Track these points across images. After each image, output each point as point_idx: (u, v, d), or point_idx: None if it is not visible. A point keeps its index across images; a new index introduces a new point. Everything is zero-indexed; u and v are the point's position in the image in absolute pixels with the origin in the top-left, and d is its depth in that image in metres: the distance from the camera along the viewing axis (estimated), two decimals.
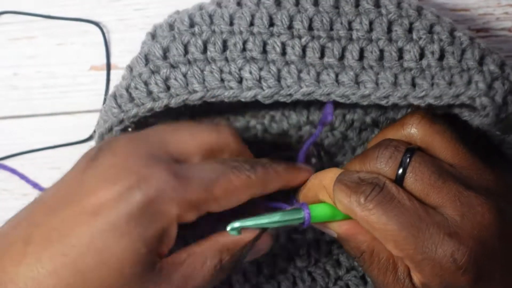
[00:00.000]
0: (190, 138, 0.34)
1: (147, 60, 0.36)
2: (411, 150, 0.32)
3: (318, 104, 0.41)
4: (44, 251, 0.29)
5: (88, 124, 0.46)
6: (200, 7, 0.37)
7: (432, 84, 0.33)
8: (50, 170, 0.47)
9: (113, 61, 0.47)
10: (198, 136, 0.34)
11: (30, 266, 0.29)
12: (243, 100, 0.35)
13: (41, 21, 0.47)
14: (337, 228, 0.34)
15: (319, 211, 0.34)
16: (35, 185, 0.47)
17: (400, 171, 0.31)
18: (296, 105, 0.41)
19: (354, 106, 0.41)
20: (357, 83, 0.34)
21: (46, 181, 0.47)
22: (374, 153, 0.33)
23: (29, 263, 0.29)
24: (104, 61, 0.47)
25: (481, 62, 0.33)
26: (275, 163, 0.36)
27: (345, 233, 0.34)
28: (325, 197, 0.34)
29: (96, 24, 0.46)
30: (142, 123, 0.37)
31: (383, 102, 0.33)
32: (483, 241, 0.30)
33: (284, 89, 0.34)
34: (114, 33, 0.47)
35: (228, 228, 0.33)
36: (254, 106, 0.39)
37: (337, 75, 0.34)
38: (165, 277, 0.31)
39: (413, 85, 0.33)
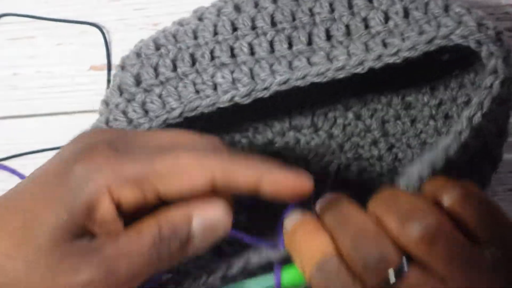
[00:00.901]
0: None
1: (121, 91, 0.36)
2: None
3: (299, 109, 0.41)
4: None
5: (88, 124, 0.46)
6: (163, 30, 0.38)
7: (403, 39, 0.33)
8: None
9: (113, 61, 0.47)
10: None
11: None
12: (221, 106, 0.35)
13: (41, 21, 0.47)
14: None
15: (293, 277, 0.30)
16: None
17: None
18: (277, 113, 0.41)
19: (334, 102, 0.41)
20: (329, 59, 0.34)
21: None
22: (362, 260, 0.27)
23: None
24: (104, 61, 0.47)
25: (446, 9, 0.34)
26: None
27: None
28: (298, 264, 0.30)
29: (97, 26, 0.46)
30: None
31: (359, 70, 0.33)
32: None
33: (259, 84, 0.34)
34: (114, 33, 0.47)
35: None
36: (237, 121, 0.39)
37: (308, 59, 0.34)
38: (93, 252, 0.27)
39: (385, 45, 0.34)
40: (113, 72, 0.46)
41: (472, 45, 0.32)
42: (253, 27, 0.36)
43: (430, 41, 0.32)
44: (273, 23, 0.36)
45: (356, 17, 0.35)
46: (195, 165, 0.28)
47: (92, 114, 0.47)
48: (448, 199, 0.28)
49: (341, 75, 0.34)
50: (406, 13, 0.34)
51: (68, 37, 0.47)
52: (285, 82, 0.34)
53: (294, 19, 0.36)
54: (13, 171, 0.48)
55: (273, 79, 0.34)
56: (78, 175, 0.28)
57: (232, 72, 0.35)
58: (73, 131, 0.47)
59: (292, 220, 0.30)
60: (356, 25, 0.35)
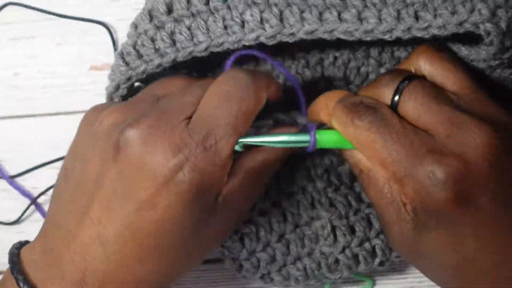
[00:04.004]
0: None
1: (151, 17, 0.36)
2: (410, 77, 0.32)
3: (332, 59, 0.42)
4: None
5: None
6: None
7: (435, 16, 0.33)
8: (48, 170, 0.47)
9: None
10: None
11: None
12: (246, 43, 0.35)
13: (42, 21, 0.47)
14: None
15: (326, 137, 0.34)
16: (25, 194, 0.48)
17: (396, 96, 0.32)
18: (309, 62, 0.42)
19: (367, 58, 0.41)
20: (359, 19, 0.34)
21: (46, 181, 0.47)
22: (376, 81, 0.34)
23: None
24: (104, 61, 0.47)
25: None
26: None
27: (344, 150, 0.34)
28: (325, 117, 0.34)
29: (103, 24, 0.47)
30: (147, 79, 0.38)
31: (387, 37, 0.33)
32: (470, 162, 0.29)
33: (287, 28, 0.34)
34: (114, 32, 0.47)
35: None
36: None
37: (339, 13, 0.34)
38: (223, 207, 0.33)
39: (416, 18, 0.33)
40: None
41: (496, 44, 0.32)
42: None
43: (460, 24, 0.32)
44: None
45: None
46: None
47: None
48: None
49: (368, 37, 0.34)
50: None
51: (69, 37, 0.47)
52: (311, 32, 0.34)
53: None
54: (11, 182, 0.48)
55: (301, 26, 0.34)
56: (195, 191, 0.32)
57: (261, 12, 0.35)
58: (73, 131, 0.47)
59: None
60: None
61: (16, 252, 0.34)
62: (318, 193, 0.40)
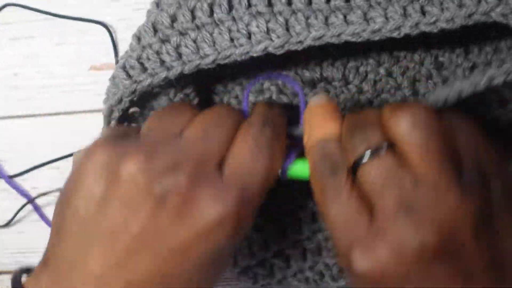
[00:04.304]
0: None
1: (155, 30, 0.36)
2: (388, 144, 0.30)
3: (330, 60, 0.41)
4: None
5: (88, 124, 0.46)
6: None
7: (442, 9, 0.33)
8: (48, 170, 0.47)
9: (113, 61, 0.47)
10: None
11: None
12: (254, 55, 0.35)
13: (41, 21, 0.47)
14: None
15: (299, 168, 0.34)
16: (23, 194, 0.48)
17: (363, 159, 0.30)
18: (309, 62, 0.41)
19: (366, 57, 0.41)
20: (366, 20, 0.34)
21: (45, 181, 0.47)
22: (360, 124, 0.32)
23: None
24: (104, 60, 0.47)
25: None
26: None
27: None
28: (305, 138, 0.34)
29: (103, 24, 0.47)
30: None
31: (395, 34, 0.33)
32: (389, 265, 0.28)
33: (294, 36, 0.34)
34: (114, 32, 0.47)
35: None
36: (267, 67, 0.39)
37: (345, 16, 0.34)
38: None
39: (423, 13, 0.33)
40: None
41: None
42: None
43: (469, 16, 0.32)
44: None
45: None
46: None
47: (92, 114, 0.47)
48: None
49: (376, 37, 0.34)
50: None
51: (68, 37, 0.47)
52: (319, 38, 0.34)
53: None
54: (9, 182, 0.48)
55: (308, 33, 0.34)
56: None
57: (267, 22, 0.34)
58: (73, 131, 0.48)
59: (317, 100, 0.35)
60: None
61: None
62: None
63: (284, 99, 0.42)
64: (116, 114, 0.37)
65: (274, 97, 0.42)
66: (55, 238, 0.34)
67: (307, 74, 0.42)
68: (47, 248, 0.34)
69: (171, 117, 0.35)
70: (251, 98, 0.43)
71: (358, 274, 0.28)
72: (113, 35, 0.47)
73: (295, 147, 0.35)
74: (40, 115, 0.48)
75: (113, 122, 0.37)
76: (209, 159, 0.32)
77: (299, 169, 0.34)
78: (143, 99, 0.38)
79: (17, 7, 0.47)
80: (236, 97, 0.43)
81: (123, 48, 0.47)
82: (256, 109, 0.35)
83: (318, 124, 0.34)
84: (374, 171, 0.30)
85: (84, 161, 0.33)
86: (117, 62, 0.47)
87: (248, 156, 0.33)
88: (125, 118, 0.39)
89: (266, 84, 0.42)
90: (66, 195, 0.33)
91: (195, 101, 0.39)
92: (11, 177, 0.47)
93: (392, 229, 0.28)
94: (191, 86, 0.39)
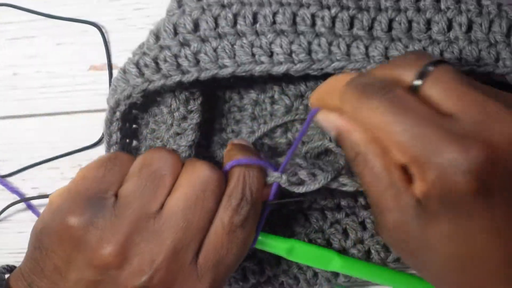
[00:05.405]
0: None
1: (176, 32, 0.35)
2: (435, 62, 0.29)
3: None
4: None
5: (87, 124, 0.46)
6: None
7: (461, 59, 0.34)
8: (48, 170, 0.47)
9: (113, 61, 0.47)
10: None
11: None
12: (274, 73, 0.35)
13: (41, 20, 0.47)
14: (334, 122, 0.32)
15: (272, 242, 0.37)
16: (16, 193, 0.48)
17: (418, 81, 0.29)
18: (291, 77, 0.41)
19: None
20: (387, 57, 0.34)
21: (45, 181, 0.47)
22: (394, 61, 0.31)
23: None
24: (104, 61, 0.47)
25: (508, 34, 0.34)
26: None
27: (340, 129, 0.31)
28: (332, 100, 0.32)
29: (96, 25, 0.46)
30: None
31: None
32: (498, 153, 0.27)
33: (316, 63, 0.34)
34: (114, 32, 0.47)
35: None
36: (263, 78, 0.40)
37: (366, 48, 0.34)
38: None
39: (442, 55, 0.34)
40: (114, 71, 0.47)
41: None
42: None
43: (486, 74, 0.33)
44: None
45: (421, 16, 0.35)
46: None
47: (92, 114, 0.47)
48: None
49: None
50: (469, 27, 0.35)
51: (68, 37, 0.47)
52: (340, 68, 0.34)
53: None
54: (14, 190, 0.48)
55: (330, 62, 0.34)
56: None
57: (290, 43, 0.34)
58: (73, 131, 0.47)
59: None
60: (419, 23, 0.35)
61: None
62: (292, 211, 0.41)
63: (286, 99, 0.42)
64: (122, 108, 0.37)
65: (276, 96, 0.42)
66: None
67: (292, 89, 0.42)
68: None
69: (151, 183, 0.33)
70: (253, 95, 0.43)
71: (466, 169, 0.26)
72: (106, 35, 0.47)
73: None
74: (39, 115, 0.48)
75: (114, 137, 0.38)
76: (187, 247, 0.32)
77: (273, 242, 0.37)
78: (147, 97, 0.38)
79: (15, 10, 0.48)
80: (238, 92, 0.43)
81: (120, 48, 0.47)
82: (233, 177, 0.34)
83: (339, 76, 0.33)
84: (442, 81, 0.28)
85: (56, 228, 0.32)
86: (109, 62, 0.46)
87: (223, 250, 0.33)
88: (126, 120, 0.39)
89: (270, 84, 0.42)
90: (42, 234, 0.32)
91: (199, 100, 0.39)
92: (3, 176, 0.47)
93: (487, 124, 0.27)
94: (196, 86, 0.39)
